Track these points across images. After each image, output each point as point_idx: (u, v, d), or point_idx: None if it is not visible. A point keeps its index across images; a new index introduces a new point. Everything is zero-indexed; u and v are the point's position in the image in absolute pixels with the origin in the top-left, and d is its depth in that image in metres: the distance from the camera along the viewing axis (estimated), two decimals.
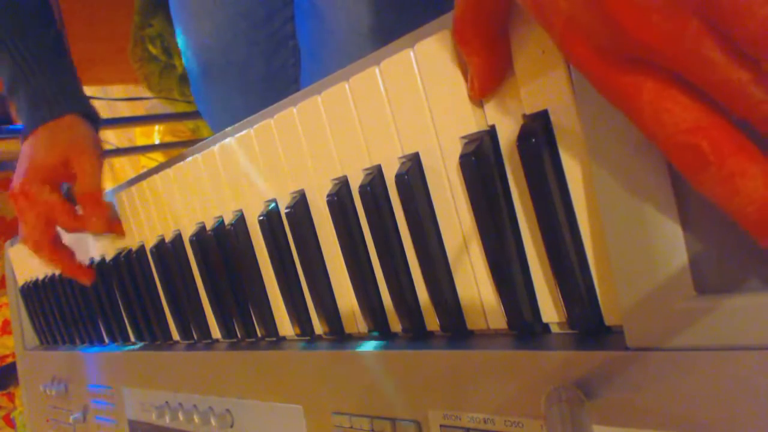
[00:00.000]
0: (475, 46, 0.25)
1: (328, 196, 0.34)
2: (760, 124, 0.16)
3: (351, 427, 0.35)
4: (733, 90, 0.16)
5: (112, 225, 0.55)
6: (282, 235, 0.39)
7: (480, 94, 0.28)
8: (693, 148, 0.17)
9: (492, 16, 0.24)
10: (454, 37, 0.26)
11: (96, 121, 0.61)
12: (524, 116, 0.27)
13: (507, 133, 0.27)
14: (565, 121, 0.25)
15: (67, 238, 0.61)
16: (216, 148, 0.42)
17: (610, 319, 0.26)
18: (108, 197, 0.56)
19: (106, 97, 1.79)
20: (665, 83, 0.17)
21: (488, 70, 0.26)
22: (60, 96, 0.58)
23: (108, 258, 0.57)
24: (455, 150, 0.29)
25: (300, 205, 0.37)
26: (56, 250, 0.58)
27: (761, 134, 0.17)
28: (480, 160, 0.27)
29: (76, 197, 0.57)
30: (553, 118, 0.26)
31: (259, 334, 0.43)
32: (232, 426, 0.44)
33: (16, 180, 0.57)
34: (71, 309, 0.67)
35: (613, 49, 0.18)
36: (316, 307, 0.38)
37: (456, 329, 0.31)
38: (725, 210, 0.18)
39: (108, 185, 0.57)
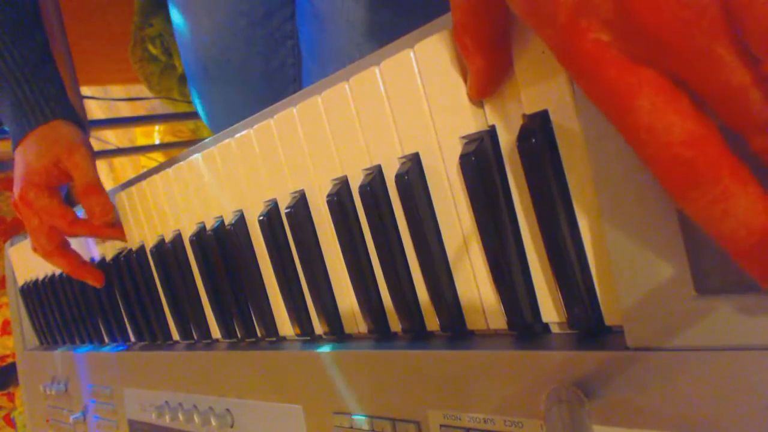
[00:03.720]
0: (472, 51, 0.25)
1: (328, 196, 0.34)
2: (754, 134, 0.16)
3: (351, 427, 0.35)
4: (734, 93, 0.15)
5: (115, 228, 0.55)
6: (282, 235, 0.39)
7: (477, 96, 0.28)
8: (687, 162, 0.16)
9: (489, 23, 0.24)
10: (455, 41, 0.26)
11: (83, 126, 0.61)
12: (524, 116, 0.27)
13: (507, 133, 0.27)
14: (565, 121, 0.25)
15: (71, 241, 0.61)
16: (216, 148, 0.42)
17: (610, 319, 0.26)
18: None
19: (106, 97, 1.79)
20: (666, 88, 0.16)
21: (486, 75, 0.26)
22: (44, 104, 0.58)
23: (108, 258, 0.57)
24: (455, 150, 0.29)
25: (300, 205, 0.37)
26: (65, 254, 0.58)
27: (752, 151, 0.16)
28: (480, 160, 0.27)
29: (76, 194, 0.57)
30: (553, 118, 0.26)
31: (259, 334, 0.43)
32: (232, 426, 0.44)
33: (15, 189, 0.58)
34: (71, 309, 0.67)
35: (618, 42, 0.17)
36: (316, 307, 0.38)
37: (456, 329, 0.31)
38: (712, 234, 0.17)
39: (108, 185, 0.57)
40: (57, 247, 0.58)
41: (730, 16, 0.15)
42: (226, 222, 0.42)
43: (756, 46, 0.15)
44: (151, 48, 1.37)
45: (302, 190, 0.37)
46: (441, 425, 0.30)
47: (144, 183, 0.50)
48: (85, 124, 0.62)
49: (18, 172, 0.58)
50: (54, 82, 0.60)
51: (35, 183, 0.56)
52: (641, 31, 0.16)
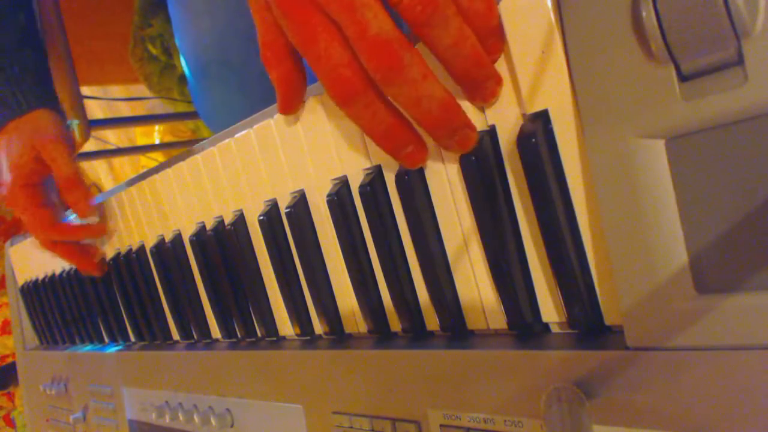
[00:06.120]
0: (273, 63, 0.32)
1: (328, 196, 0.34)
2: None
3: (351, 427, 0.35)
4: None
5: (91, 228, 0.55)
6: (282, 235, 0.39)
7: (283, 110, 0.34)
8: (345, 78, 0.26)
9: (284, 38, 0.31)
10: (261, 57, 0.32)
11: (62, 113, 0.60)
12: (524, 116, 0.27)
13: (507, 133, 0.27)
14: (565, 121, 0.25)
15: None
16: (216, 148, 0.42)
17: (610, 318, 0.26)
18: (108, 197, 0.56)
19: (106, 97, 1.79)
20: (331, 28, 0.26)
21: (286, 85, 0.33)
22: (20, 95, 0.57)
23: (108, 258, 0.57)
24: None
25: (300, 205, 0.37)
26: (61, 245, 0.58)
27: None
28: (480, 160, 0.27)
29: (58, 188, 0.57)
30: (553, 118, 0.26)
31: (259, 334, 0.43)
32: (232, 426, 0.44)
33: (3, 185, 0.58)
34: (71, 309, 0.67)
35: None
36: (316, 307, 0.38)
37: (456, 329, 0.31)
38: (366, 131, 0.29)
39: (108, 185, 0.57)
40: (53, 239, 0.58)
41: None
42: (226, 222, 0.42)
43: None
44: (151, 48, 1.37)
45: (302, 190, 0.37)
46: (441, 425, 0.30)
47: (144, 183, 0.50)
48: (62, 112, 0.61)
49: (2, 165, 0.58)
50: (33, 68, 0.58)
51: (20, 181, 0.56)
52: None
